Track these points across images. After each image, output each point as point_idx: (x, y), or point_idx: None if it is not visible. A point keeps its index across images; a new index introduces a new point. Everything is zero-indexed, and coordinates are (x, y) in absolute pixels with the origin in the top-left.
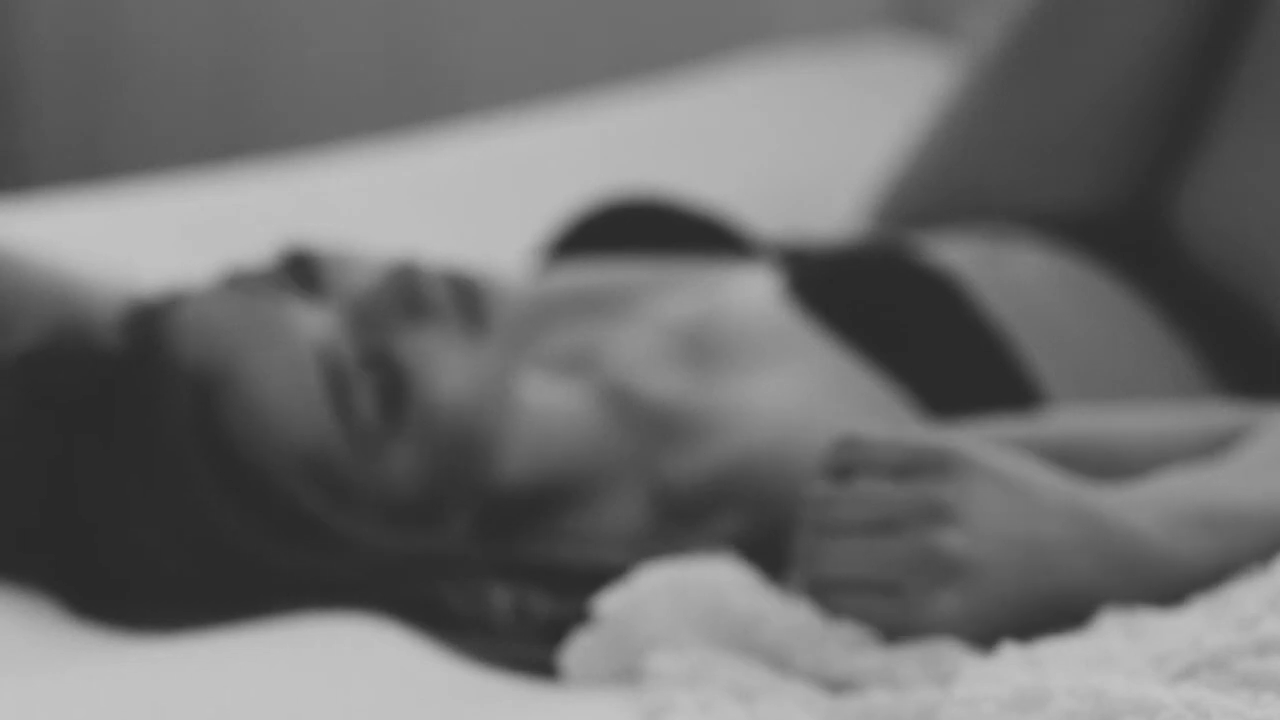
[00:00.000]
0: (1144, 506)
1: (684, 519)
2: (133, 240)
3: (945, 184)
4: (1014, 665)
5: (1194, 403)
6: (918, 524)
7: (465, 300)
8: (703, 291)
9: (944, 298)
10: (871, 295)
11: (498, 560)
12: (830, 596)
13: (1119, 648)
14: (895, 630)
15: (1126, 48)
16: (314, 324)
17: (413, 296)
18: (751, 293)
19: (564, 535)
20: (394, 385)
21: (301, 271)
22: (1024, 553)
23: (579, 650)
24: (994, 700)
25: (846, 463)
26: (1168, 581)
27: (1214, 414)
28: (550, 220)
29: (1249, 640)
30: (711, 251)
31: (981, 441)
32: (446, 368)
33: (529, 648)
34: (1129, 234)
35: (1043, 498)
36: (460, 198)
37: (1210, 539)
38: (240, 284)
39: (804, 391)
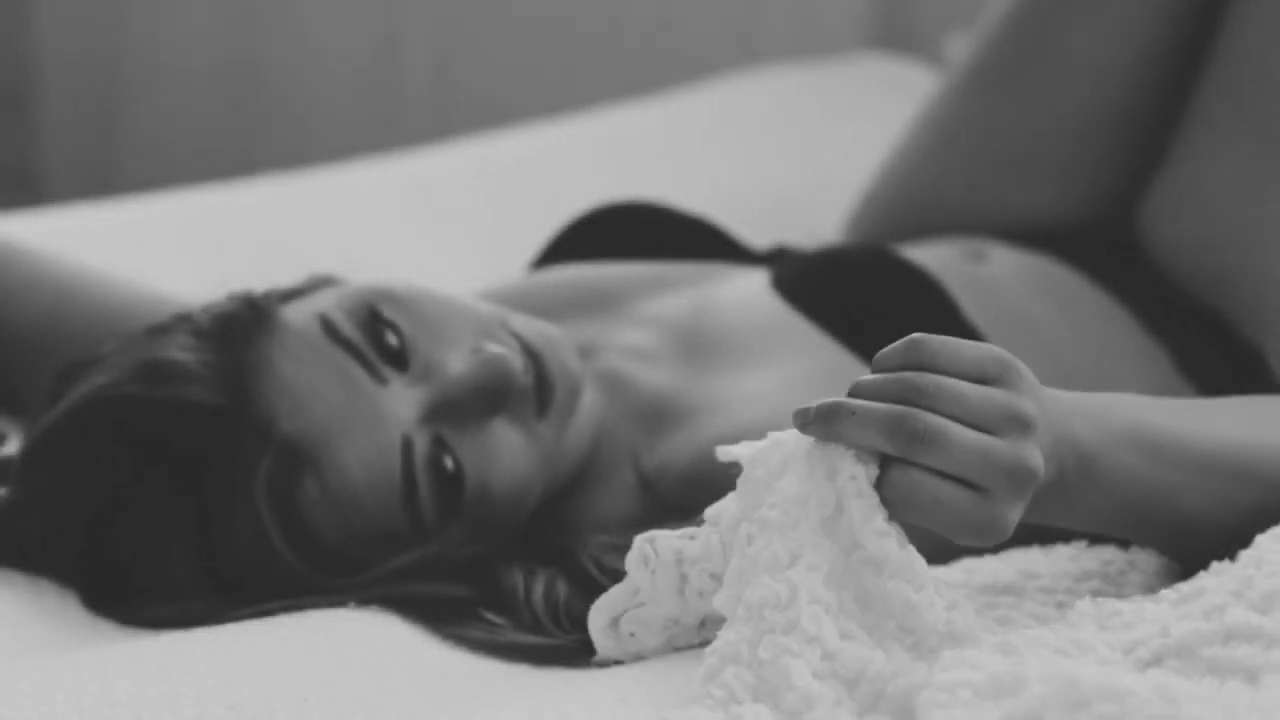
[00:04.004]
0: (1083, 412)
1: (672, 507)
2: (142, 246)
3: (921, 198)
4: (990, 652)
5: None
6: (1013, 434)
7: (539, 380)
8: (695, 289)
9: (921, 290)
10: (853, 288)
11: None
12: (919, 483)
13: (1091, 637)
14: (962, 530)
15: (1097, 65)
16: (402, 408)
17: (498, 391)
18: (742, 290)
19: (564, 524)
20: (454, 489)
21: (390, 335)
22: (1056, 466)
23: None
24: (970, 686)
25: (915, 363)
26: (1088, 490)
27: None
28: (538, 222)
29: (1215, 629)
30: (702, 254)
31: None
32: (508, 455)
33: (528, 636)
34: (1101, 245)
35: (1059, 405)
36: (461, 200)
37: (1136, 457)
38: (333, 335)
39: (789, 383)
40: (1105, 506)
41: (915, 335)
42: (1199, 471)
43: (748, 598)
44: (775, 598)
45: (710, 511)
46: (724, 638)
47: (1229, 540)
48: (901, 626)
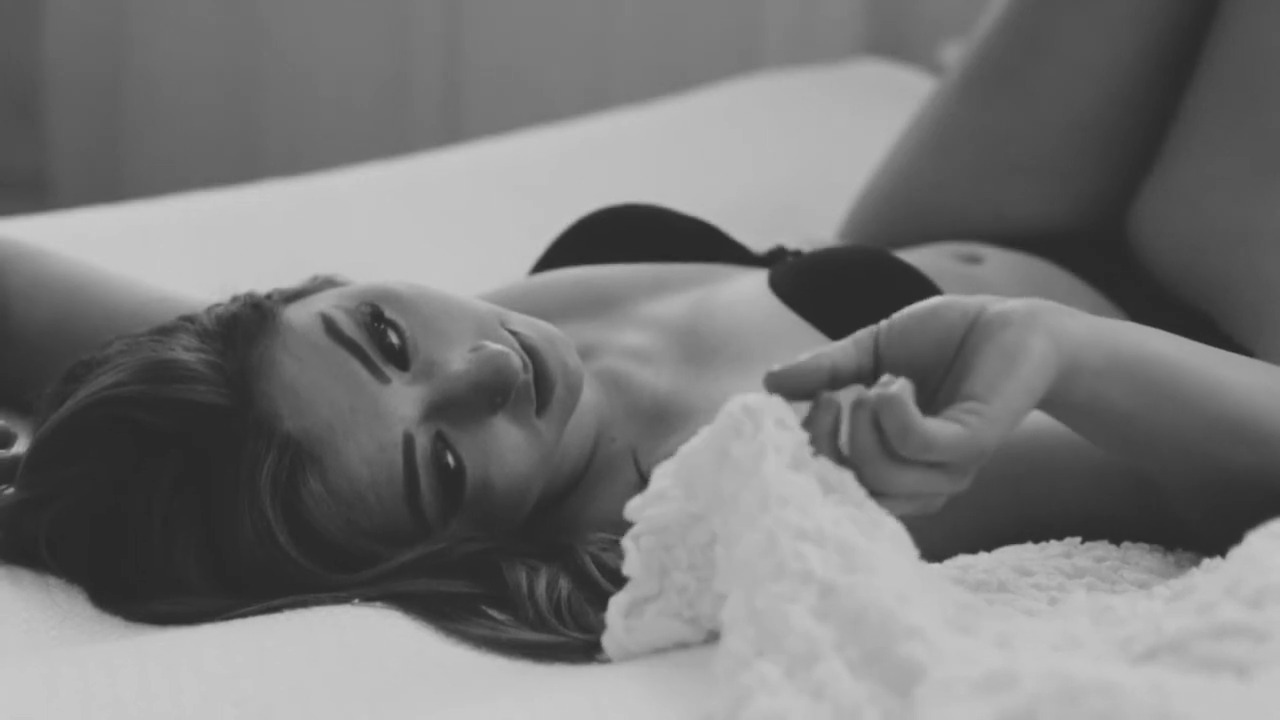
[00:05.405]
0: (1098, 345)
1: None
2: (148, 249)
3: (917, 200)
4: (986, 647)
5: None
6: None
7: (539, 377)
8: (695, 291)
9: (917, 291)
10: (850, 289)
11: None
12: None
13: (1085, 632)
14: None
15: (1091, 68)
16: (403, 406)
17: (498, 388)
18: (740, 291)
19: (565, 522)
20: (455, 485)
21: (392, 334)
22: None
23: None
24: (966, 682)
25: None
26: (1080, 417)
27: None
28: (540, 226)
29: (1207, 625)
30: (701, 256)
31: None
32: (509, 451)
33: (531, 632)
34: (1095, 247)
35: (1072, 340)
36: (464, 204)
37: (1135, 396)
38: (336, 334)
39: None
40: (1096, 429)
41: (907, 424)
42: (1197, 418)
43: (734, 557)
44: (756, 546)
45: (631, 508)
46: (726, 608)
47: (1204, 481)
48: (893, 535)
